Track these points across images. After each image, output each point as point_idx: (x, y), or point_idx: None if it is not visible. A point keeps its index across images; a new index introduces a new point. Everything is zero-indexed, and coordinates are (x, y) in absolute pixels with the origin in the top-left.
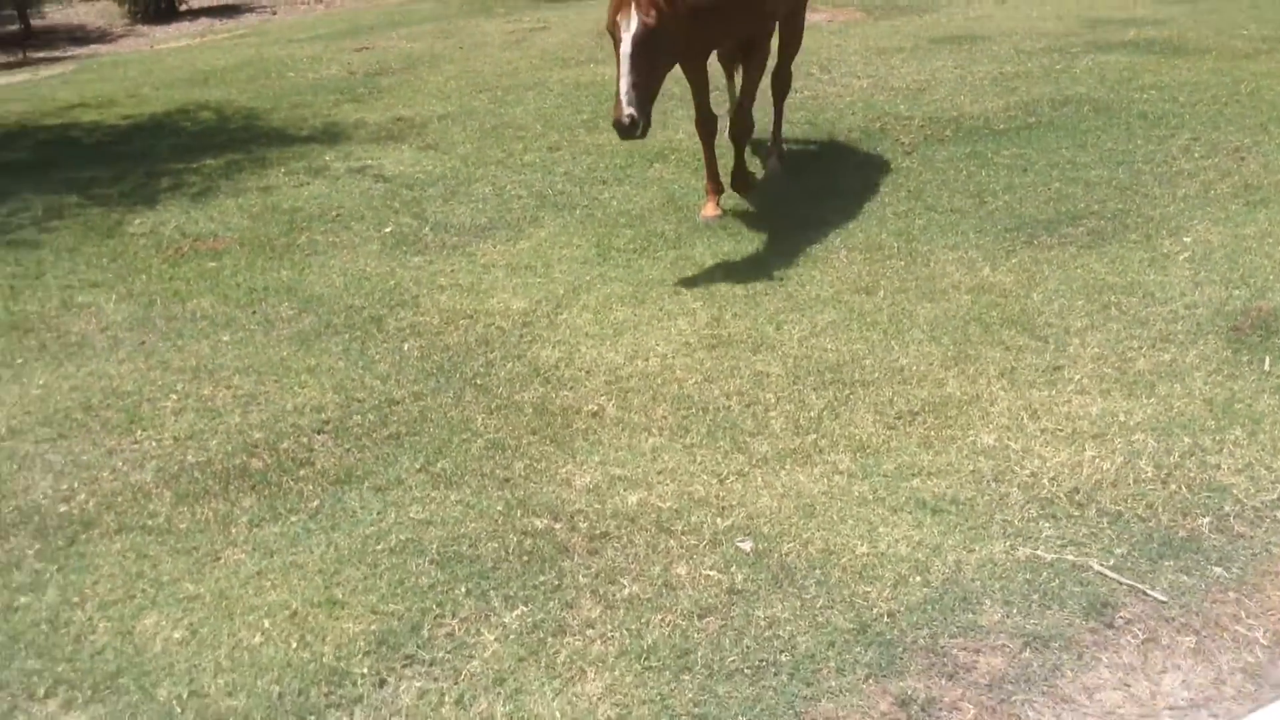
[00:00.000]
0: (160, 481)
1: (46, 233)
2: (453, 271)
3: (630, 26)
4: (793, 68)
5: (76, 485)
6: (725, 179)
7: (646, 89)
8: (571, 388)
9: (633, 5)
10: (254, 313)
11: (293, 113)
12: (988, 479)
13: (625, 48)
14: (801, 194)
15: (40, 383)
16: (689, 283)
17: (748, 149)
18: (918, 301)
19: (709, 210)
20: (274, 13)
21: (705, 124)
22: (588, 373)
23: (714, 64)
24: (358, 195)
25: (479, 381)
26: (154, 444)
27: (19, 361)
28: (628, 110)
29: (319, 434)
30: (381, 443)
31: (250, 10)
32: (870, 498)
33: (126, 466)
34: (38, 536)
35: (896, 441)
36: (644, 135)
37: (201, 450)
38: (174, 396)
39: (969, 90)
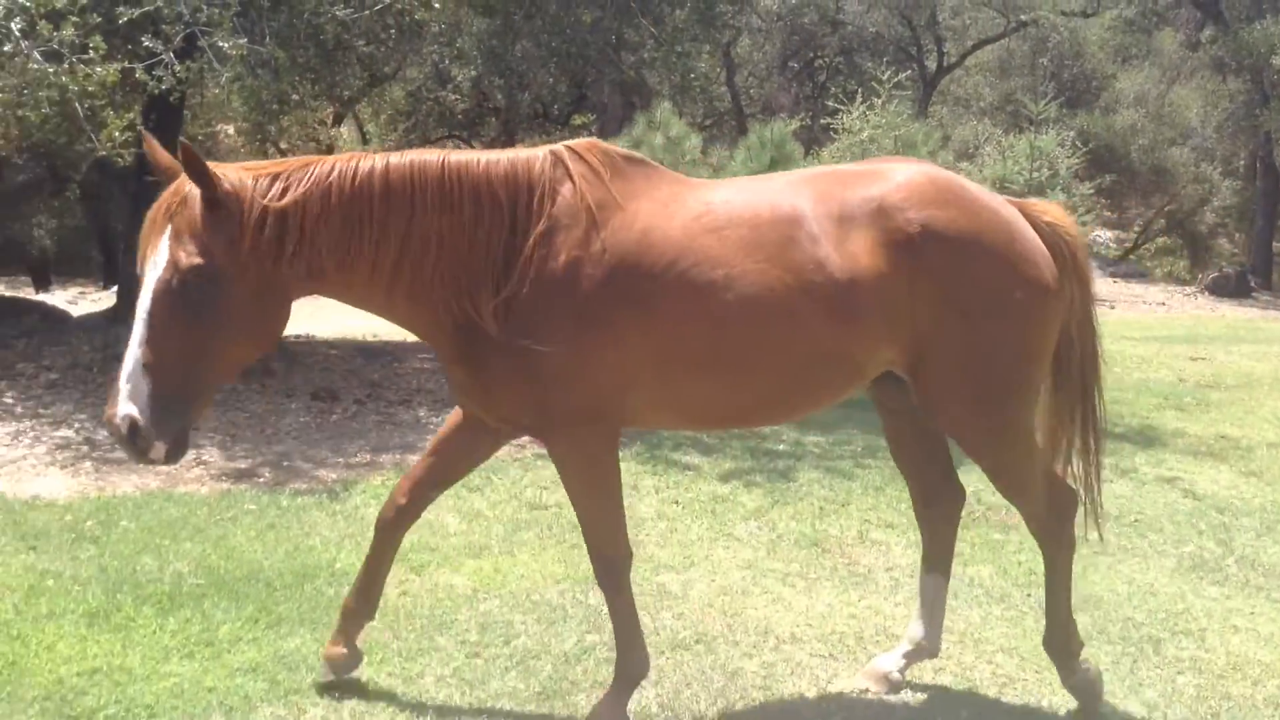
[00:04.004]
0: None
1: (860, 468)
2: (1252, 614)
3: (156, 267)
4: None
5: (834, 708)
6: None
7: (173, 378)
8: None
9: (165, 232)
10: (1029, 595)
11: (1110, 408)
12: None
13: (143, 299)
14: None
15: (826, 601)
16: None
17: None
18: None
19: (332, 646)
20: (1111, 307)
21: (387, 506)
22: None
23: None
24: (1161, 506)
25: None
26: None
27: (813, 575)
28: (123, 409)
29: None
30: None
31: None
32: None
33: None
34: None
35: None
36: (170, 460)
37: None
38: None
39: None
